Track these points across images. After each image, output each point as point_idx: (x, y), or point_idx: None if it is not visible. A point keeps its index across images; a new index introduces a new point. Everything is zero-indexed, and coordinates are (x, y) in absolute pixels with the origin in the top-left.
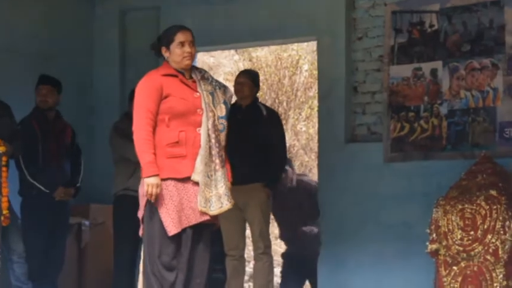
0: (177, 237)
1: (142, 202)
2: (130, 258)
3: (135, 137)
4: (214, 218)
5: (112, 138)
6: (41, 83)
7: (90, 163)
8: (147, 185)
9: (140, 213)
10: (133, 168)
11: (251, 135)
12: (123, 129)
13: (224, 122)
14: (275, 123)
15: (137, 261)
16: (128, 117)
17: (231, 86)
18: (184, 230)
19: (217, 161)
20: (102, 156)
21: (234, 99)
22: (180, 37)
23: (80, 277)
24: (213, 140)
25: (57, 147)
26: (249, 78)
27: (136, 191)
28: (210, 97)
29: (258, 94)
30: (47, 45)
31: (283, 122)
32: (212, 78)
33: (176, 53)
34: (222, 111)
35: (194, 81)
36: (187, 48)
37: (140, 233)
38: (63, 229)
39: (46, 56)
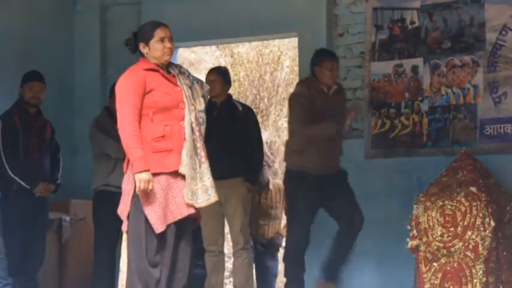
0: (162, 233)
1: (127, 199)
2: (110, 254)
3: (121, 132)
4: (198, 212)
5: (92, 134)
6: (33, 79)
7: (70, 159)
8: (139, 181)
9: (124, 210)
10: (114, 164)
11: (227, 131)
12: (104, 124)
13: (203, 115)
14: (251, 119)
15: (117, 256)
16: (108, 111)
17: None
18: (168, 226)
19: (203, 153)
20: (83, 151)
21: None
22: (160, 33)
23: (61, 272)
24: (197, 133)
25: (38, 143)
26: (219, 75)
27: (117, 187)
28: (190, 91)
29: (239, 90)
30: (27, 41)
31: (264, 118)
32: (188, 72)
33: (157, 49)
34: (201, 104)
35: (174, 76)
36: (167, 44)
37: (124, 229)
38: (43, 225)
39: (26, 52)
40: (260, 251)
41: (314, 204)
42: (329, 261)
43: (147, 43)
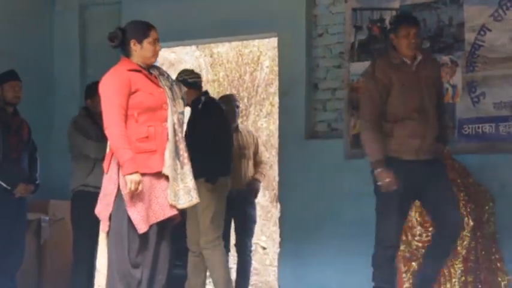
0: (144, 233)
1: (110, 199)
2: (89, 254)
3: (109, 133)
4: (179, 213)
5: (71, 134)
6: (13, 79)
7: (49, 159)
8: (130, 182)
9: (106, 210)
10: (92, 164)
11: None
12: (82, 125)
13: (182, 117)
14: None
15: (95, 257)
16: (87, 112)
17: None
18: (151, 226)
19: (185, 154)
20: (62, 151)
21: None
22: (154, 34)
23: (39, 273)
24: (179, 134)
25: (17, 143)
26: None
27: (95, 187)
28: (171, 92)
29: (219, 90)
30: (6, 41)
31: (244, 118)
32: (167, 74)
33: (149, 49)
34: (180, 106)
35: (155, 77)
36: (158, 47)
37: (105, 229)
38: (21, 225)
39: (5, 52)
40: (239, 198)
41: (403, 196)
42: (423, 275)
43: (140, 41)
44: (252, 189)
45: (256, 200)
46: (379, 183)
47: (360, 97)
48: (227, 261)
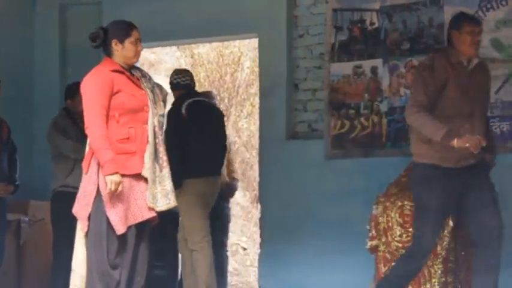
0: (123, 234)
1: (89, 199)
2: (69, 255)
3: (90, 133)
4: (157, 215)
5: (50, 135)
6: None
7: (29, 159)
8: (110, 183)
9: (85, 210)
10: (72, 165)
11: None
12: (62, 125)
13: (163, 119)
14: None
15: None
16: (67, 112)
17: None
18: (129, 228)
19: (165, 157)
20: (42, 152)
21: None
22: (136, 34)
23: (19, 274)
24: (159, 137)
25: None
26: None
27: (75, 188)
28: (152, 95)
29: (199, 91)
30: None
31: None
32: (149, 76)
33: (130, 49)
34: (161, 109)
35: (137, 79)
36: (139, 47)
37: (84, 229)
38: (1, 226)
39: None
40: (218, 197)
41: (444, 205)
42: None
43: (121, 41)
44: (231, 189)
45: (237, 201)
46: (467, 145)
47: (412, 85)
48: (212, 263)
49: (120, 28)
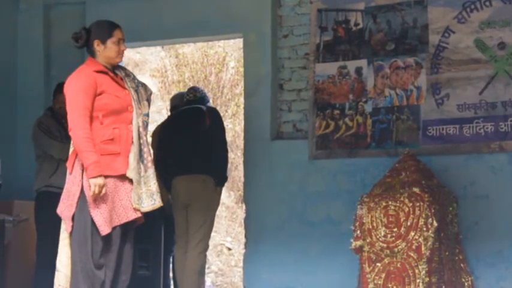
0: (107, 235)
1: (73, 199)
2: (53, 255)
3: (73, 134)
4: (142, 215)
5: (35, 134)
6: None
7: (13, 159)
8: (94, 185)
9: (68, 211)
10: (56, 165)
11: None
12: (47, 125)
13: (147, 119)
14: None
15: None
16: (51, 112)
17: (156, 82)
18: (114, 228)
19: (149, 158)
20: (26, 152)
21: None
22: (118, 34)
23: (3, 273)
24: (144, 137)
25: None
26: None
27: (59, 188)
28: (136, 94)
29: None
30: None
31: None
32: (133, 75)
33: (113, 49)
34: (145, 108)
35: (121, 79)
36: (122, 47)
37: (68, 229)
38: None
39: None
40: None
41: None
42: None
43: (103, 41)
44: None
45: (222, 201)
46: None
47: None
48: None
49: (102, 28)
